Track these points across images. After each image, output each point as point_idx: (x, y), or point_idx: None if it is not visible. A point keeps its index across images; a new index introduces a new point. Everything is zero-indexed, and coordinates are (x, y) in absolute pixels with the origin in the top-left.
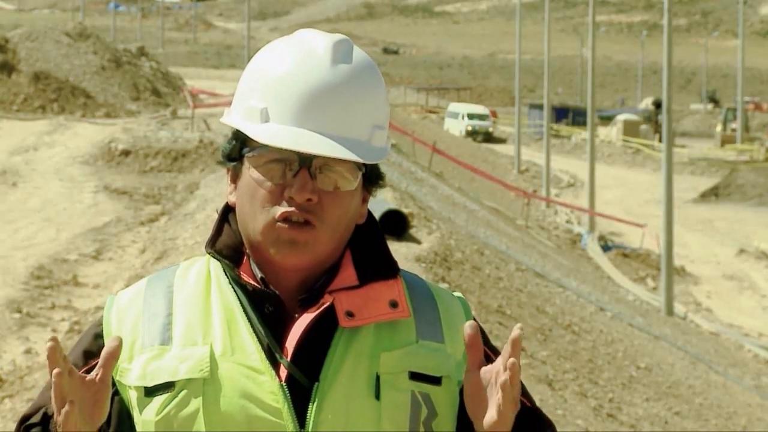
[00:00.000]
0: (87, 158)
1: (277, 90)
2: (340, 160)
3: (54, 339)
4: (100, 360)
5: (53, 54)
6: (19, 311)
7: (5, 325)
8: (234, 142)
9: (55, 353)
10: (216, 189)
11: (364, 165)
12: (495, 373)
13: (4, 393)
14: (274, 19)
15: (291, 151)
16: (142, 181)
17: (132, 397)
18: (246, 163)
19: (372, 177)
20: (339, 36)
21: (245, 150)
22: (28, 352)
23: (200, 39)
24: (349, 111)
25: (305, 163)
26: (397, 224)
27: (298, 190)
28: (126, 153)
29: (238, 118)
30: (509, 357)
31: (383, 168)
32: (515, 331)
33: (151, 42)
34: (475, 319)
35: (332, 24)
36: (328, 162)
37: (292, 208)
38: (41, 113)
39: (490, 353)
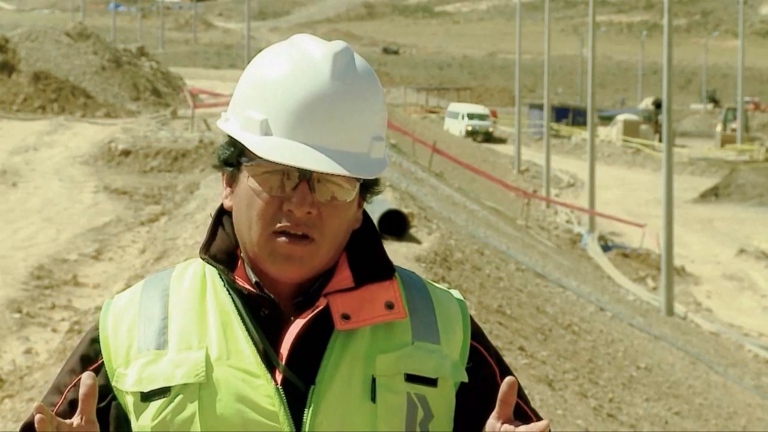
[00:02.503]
0: (87, 158)
1: (276, 102)
2: None
3: (40, 409)
4: (80, 402)
5: (53, 54)
6: (19, 311)
7: (5, 325)
8: (232, 148)
9: (44, 424)
10: (216, 189)
11: None
12: None
13: (4, 393)
14: (274, 19)
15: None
16: (142, 181)
17: (129, 402)
18: (244, 171)
19: (369, 184)
20: (339, 45)
21: (244, 159)
22: (28, 352)
23: (200, 39)
24: (348, 125)
25: (305, 176)
26: (397, 224)
27: (298, 204)
28: (126, 153)
29: (236, 127)
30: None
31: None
32: (504, 387)
33: (151, 42)
34: (471, 318)
35: (332, 24)
36: (326, 174)
37: (290, 224)
38: (41, 113)
39: (493, 364)
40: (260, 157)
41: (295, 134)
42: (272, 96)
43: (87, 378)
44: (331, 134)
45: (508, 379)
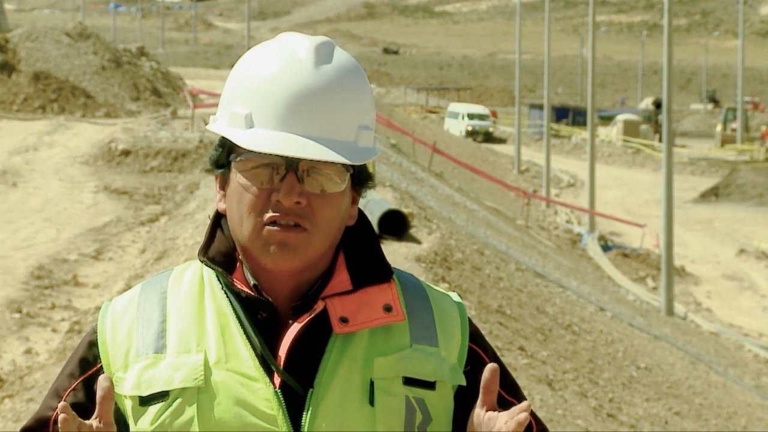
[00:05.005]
0: (87, 158)
1: (260, 95)
2: (327, 162)
3: (64, 409)
4: (97, 404)
5: (53, 54)
6: (19, 311)
7: (5, 325)
8: (221, 149)
9: (67, 424)
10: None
11: (352, 166)
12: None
13: (4, 393)
14: (274, 19)
15: (277, 155)
16: (142, 181)
17: (127, 406)
18: (234, 170)
19: (361, 178)
20: (321, 38)
21: (232, 156)
22: (28, 352)
23: (200, 39)
24: (333, 113)
25: (292, 166)
26: (397, 224)
27: (285, 193)
28: (126, 153)
29: (223, 124)
30: (508, 417)
31: (384, 167)
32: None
33: (151, 42)
34: (470, 320)
35: (332, 24)
36: (315, 165)
37: (279, 214)
38: (41, 113)
39: (484, 355)
40: (247, 152)
41: (280, 125)
42: (256, 89)
43: (104, 380)
44: (317, 123)
45: (489, 366)
